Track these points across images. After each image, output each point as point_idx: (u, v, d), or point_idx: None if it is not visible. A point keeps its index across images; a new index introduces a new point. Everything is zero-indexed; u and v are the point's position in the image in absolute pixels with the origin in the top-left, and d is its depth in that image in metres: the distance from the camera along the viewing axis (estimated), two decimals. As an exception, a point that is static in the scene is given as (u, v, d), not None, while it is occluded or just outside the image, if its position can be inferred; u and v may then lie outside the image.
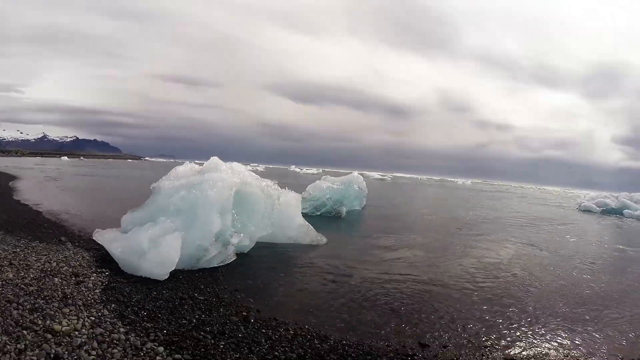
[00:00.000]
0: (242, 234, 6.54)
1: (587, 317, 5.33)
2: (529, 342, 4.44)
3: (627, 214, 30.71)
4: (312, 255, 7.84)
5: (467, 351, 4.07)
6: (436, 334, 4.43)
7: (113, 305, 4.22)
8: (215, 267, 6.22)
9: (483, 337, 4.46)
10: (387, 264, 7.64)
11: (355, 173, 16.59)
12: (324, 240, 8.80)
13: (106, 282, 4.98)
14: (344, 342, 4.02)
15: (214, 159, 7.46)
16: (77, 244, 6.89)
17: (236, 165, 7.32)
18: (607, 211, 32.89)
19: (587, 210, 32.85)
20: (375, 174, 66.42)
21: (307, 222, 8.78)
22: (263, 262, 7.02)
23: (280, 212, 7.79)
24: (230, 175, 6.57)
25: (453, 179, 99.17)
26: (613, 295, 6.52)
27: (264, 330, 4.07)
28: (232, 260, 6.46)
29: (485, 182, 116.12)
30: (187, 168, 7.40)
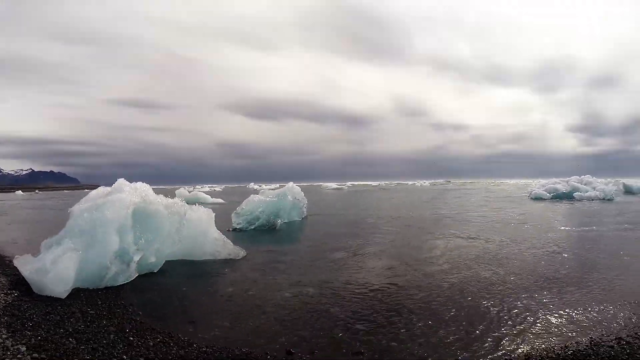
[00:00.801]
0: (145, 252, 7.00)
1: (547, 300, 5.61)
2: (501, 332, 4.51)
3: (577, 197, 31.84)
4: (222, 268, 8.11)
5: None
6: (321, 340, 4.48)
7: (6, 318, 4.72)
8: (122, 284, 6.65)
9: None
10: (299, 270, 7.84)
11: (291, 184, 17.09)
12: (243, 253, 9.17)
13: (10, 301, 5.43)
14: (205, 348, 4.23)
15: (120, 181, 7.89)
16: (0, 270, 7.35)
17: (140, 185, 7.79)
18: (558, 196, 33.81)
19: (537, 198, 33.76)
20: (333, 184, 68.33)
21: (223, 236, 9.19)
22: (171, 278, 7.39)
23: (191, 229, 8.30)
24: (130, 194, 7.08)
25: (412, 182, 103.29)
26: (572, 275, 6.95)
27: (131, 338, 4.43)
28: (135, 277, 6.93)
29: (445, 182, 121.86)
30: (98, 191, 7.78)
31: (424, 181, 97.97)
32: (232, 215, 14.61)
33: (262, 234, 13.54)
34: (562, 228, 13.37)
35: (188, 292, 6.56)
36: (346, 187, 67.79)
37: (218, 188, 69.15)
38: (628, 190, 39.37)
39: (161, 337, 4.51)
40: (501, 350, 4.08)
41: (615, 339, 4.30)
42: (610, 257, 8.50)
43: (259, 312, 5.48)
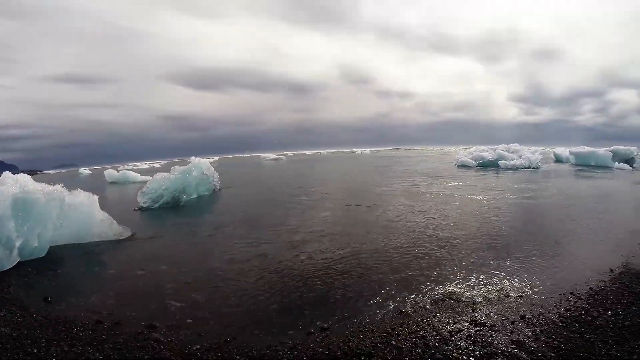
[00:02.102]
0: (28, 238, 8.04)
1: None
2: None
3: (502, 165, 32.16)
4: (104, 249, 9.12)
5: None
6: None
7: None
8: (7, 270, 7.50)
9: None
10: (179, 247, 9.14)
11: (197, 159, 17.79)
12: (128, 233, 10.27)
13: None
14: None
15: (5, 174, 8.89)
16: None
17: (21, 176, 8.79)
18: (484, 164, 34.25)
19: (463, 165, 34.50)
20: (272, 155, 69.23)
21: (109, 217, 10.26)
22: (54, 261, 8.27)
23: (74, 213, 9.44)
24: (10, 187, 8.02)
25: (354, 150, 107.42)
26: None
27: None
28: (17, 261, 7.82)
29: (387, 149, 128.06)
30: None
31: (366, 149, 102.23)
32: (138, 194, 15.53)
33: (164, 211, 14.68)
34: (459, 195, 15.37)
35: (63, 272, 7.65)
36: (284, 158, 69.02)
37: (158, 164, 66.82)
38: (558, 159, 39.85)
39: (19, 312, 5.54)
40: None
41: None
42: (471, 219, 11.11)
43: (130, 287, 6.58)
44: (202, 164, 17.86)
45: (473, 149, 40.20)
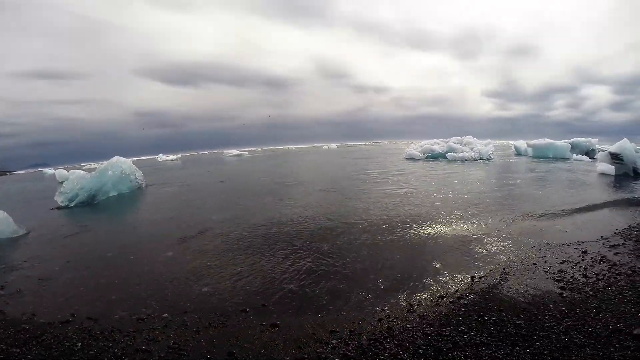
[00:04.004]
0: None
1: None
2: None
3: (450, 157, 32.22)
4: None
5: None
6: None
7: None
8: None
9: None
10: (61, 244, 10.47)
11: (116, 158, 18.97)
12: (22, 231, 11.78)
13: None
14: None
15: None
16: None
17: None
18: (433, 156, 34.61)
19: (410, 158, 35.30)
20: (234, 151, 70.05)
21: (7, 216, 11.72)
22: None
23: None
24: None
25: (322, 145, 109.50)
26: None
27: None
28: None
29: (356, 144, 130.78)
30: None
31: (333, 144, 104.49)
32: (57, 193, 17.03)
33: (78, 210, 16.22)
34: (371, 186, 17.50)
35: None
36: (247, 154, 70.10)
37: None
38: (518, 152, 39.41)
39: None
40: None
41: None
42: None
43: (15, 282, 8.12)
44: (122, 163, 19.31)
45: (425, 142, 39.18)
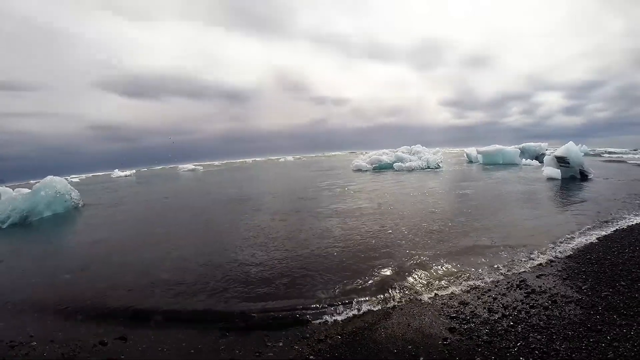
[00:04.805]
0: None
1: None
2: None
3: (396, 167, 32.12)
4: None
5: None
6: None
7: None
8: None
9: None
10: None
11: (49, 177, 19.04)
12: None
13: None
14: None
15: None
16: None
17: None
18: (380, 167, 33.88)
19: (358, 170, 34.88)
20: (189, 166, 70.25)
21: None
22: None
23: None
24: None
25: (279, 157, 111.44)
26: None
27: None
28: None
29: (313, 156, 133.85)
30: None
31: (289, 156, 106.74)
32: (-13, 216, 17.20)
33: (9, 231, 16.25)
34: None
35: None
36: (201, 169, 69.93)
37: (77, 179, 64.41)
38: (469, 159, 39.19)
39: None
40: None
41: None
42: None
43: None
44: (57, 183, 19.50)
45: (372, 152, 38.68)
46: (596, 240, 8.47)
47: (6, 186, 20.80)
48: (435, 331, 4.80)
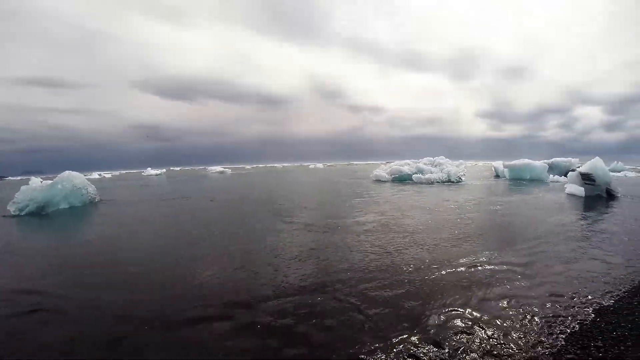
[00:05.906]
0: None
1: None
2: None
3: (415, 179, 31.31)
4: None
5: None
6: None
7: None
8: None
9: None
10: None
11: (67, 173, 20.47)
12: None
13: None
14: None
15: None
16: None
17: None
18: (400, 178, 33.21)
19: (377, 180, 34.51)
20: (218, 168, 72.98)
21: None
22: None
23: None
24: None
25: (309, 164, 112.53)
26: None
27: None
28: None
29: (347, 164, 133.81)
30: None
31: (319, 163, 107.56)
32: (9, 203, 18.84)
33: (26, 219, 17.80)
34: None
35: None
36: (229, 171, 72.46)
37: (108, 175, 69.51)
38: (497, 173, 38.35)
39: None
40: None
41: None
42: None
43: None
44: (74, 177, 21.02)
45: (396, 162, 37.26)
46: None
47: (42, 178, 22.58)
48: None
